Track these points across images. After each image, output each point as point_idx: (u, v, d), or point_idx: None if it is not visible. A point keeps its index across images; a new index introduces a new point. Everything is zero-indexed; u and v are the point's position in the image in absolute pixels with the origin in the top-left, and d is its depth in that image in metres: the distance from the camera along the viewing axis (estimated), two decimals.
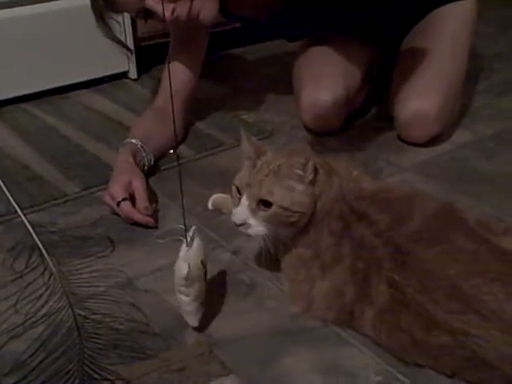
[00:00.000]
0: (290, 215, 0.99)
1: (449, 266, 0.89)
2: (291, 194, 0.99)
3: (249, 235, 1.02)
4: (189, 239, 0.95)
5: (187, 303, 0.97)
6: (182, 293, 0.96)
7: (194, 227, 0.97)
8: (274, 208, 0.98)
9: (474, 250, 0.91)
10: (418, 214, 0.96)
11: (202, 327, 1.00)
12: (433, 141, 1.54)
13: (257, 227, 1.01)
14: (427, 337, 0.88)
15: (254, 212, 1.00)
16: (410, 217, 0.96)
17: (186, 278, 0.94)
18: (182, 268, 0.94)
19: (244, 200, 1.01)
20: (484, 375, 0.86)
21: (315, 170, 1.00)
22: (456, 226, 0.95)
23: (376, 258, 0.93)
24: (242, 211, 1.01)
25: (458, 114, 1.65)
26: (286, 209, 0.98)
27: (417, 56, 1.57)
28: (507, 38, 2.27)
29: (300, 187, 0.99)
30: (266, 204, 0.99)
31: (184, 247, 0.96)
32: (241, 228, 1.01)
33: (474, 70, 1.81)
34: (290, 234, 1.02)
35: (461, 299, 0.86)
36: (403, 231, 0.94)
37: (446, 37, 1.59)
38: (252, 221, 1.00)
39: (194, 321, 0.99)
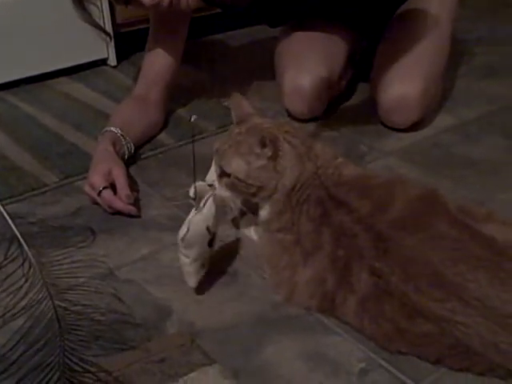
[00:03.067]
0: (247, 187, 1.02)
1: (432, 253, 0.88)
2: (247, 168, 1.02)
3: (217, 197, 1.04)
4: (201, 205, 0.99)
5: (185, 264, 1.00)
6: (181, 253, 0.99)
7: (210, 193, 1.02)
8: (231, 178, 1.02)
9: (456, 237, 0.90)
10: (399, 201, 0.96)
11: (185, 314, 1.00)
12: (415, 125, 1.54)
13: (222, 191, 1.05)
14: (411, 325, 0.88)
15: (220, 177, 1.05)
16: (391, 203, 0.95)
17: (183, 240, 0.97)
18: (181, 230, 0.98)
19: (213, 164, 1.06)
20: (468, 362, 0.87)
21: (275, 147, 1.01)
22: (438, 213, 0.95)
23: (357, 246, 0.93)
24: (211, 174, 1.07)
25: (440, 98, 1.65)
26: (241, 180, 1.02)
27: (399, 41, 1.57)
28: (488, 22, 2.26)
29: (257, 163, 1.01)
30: (227, 174, 1.03)
31: (193, 211, 0.99)
32: (210, 191, 1.05)
33: (456, 54, 1.80)
34: (257, 204, 1.06)
35: (444, 286, 0.86)
36: (384, 218, 0.93)
37: (428, 21, 1.58)
38: (217, 184, 1.05)
39: (191, 282, 1.02)
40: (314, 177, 1.01)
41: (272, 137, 1.00)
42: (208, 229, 0.99)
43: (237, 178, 1.02)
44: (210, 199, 1.00)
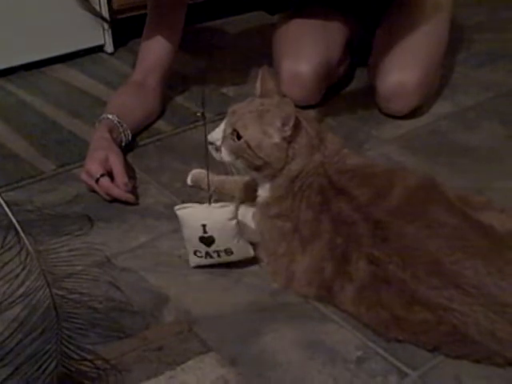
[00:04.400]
0: (254, 157, 1.00)
1: (430, 241, 0.88)
2: (263, 139, 1.00)
3: (215, 157, 1.05)
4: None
5: None
6: None
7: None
8: (241, 141, 1.00)
9: (454, 225, 0.90)
10: (398, 189, 0.96)
11: (182, 302, 1.00)
12: (413, 113, 1.53)
13: (223, 153, 1.03)
14: (408, 313, 0.88)
15: (225, 138, 1.03)
16: (390, 192, 0.95)
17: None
18: None
19: (223, 124, 1.04)
20: (465, 350, 0.87)
21: (295, 131, 1.00)
22: (437, 201, 0.95)
23: (355, 234, 0.93)
24: (217, 132, 1.04)
25: (438, 85, 1.64)
26: (251, 149, 1.00)
27: (397, 28, 1.56)
28: (487, 8, 2.25)
29: (274, 138, 1.00)
30: (238, 136, 1.00)
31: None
32: (210, 147, 1.04)
33: (454, 41, 1.79)
34: (256, 179, 1.06)
35: (442, 274, 0.86)
36: (383, 206, 0.93)
37: (427, 7, 1.57)
38: (220, 144, 1.03)
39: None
40: (318, 166, 1.01)
41: (296, 119, 0.99)
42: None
43: (248, 144, 1.00)
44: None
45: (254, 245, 1.05)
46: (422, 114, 1.55)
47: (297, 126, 1.00)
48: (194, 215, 1.00)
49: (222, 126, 1.04)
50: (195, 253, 1.03)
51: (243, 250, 1.03)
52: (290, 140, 1.00)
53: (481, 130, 1.50)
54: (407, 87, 1.47)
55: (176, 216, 1.02)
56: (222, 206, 0.99)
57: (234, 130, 1.01)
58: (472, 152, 1.40)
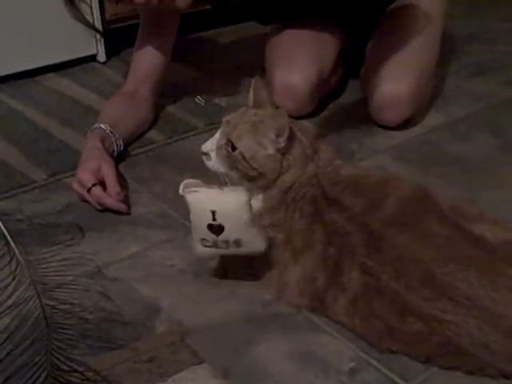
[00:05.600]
0: (249, 168, 0.99)
1: (423, 252, 0.88)
2: (257, 150, 0.99)
3: (208, 167, 1.03)
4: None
5: None
6: None
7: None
8: (236, 153, 0.99)
9: (448, 236, 0.90)
10: (391, 199, 0.95)
11: (173, 313, 0.99)
12: (405, 123, 1.53)
13: (216, 163, 1.02)
14: (401, 324, 0.87)
15: (219, 148, 1.01)
16: (383, 202, 0.95)
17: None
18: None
19: (218, 133, 1.03)
20: (458, 361, 0.87)
21: (289, 143, 0.99)
22: (430, 212, 0.95)
23: (348, 244, 0.92)
24: (211, 142, 1.03)
25: (430, 95, 1.65)
26: (246, 160, 0.99)
27: (389, 38, 1.56)
28: (479, 20, 2.26)
29: (269, 149, 0.99)
30: (232, 147, 1.00)
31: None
32: (204, 157, 1.03)
33: (446, 52, 1.80)
34: (249, 190, 1.01)
35: (435, 285, 0.86)
36: (377, 216, 0.93)
37: (419, 18, 1.58)
38: (214, 155, 1.02)
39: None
40: (312, 177, 1.01)
41: (290, 131, 0.99)
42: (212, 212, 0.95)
43: (243, 155, 0.99)
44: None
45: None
46: (414, 124, 1.56)
47: (291, 138, 1.00)
48: (202, 200, 0.96)
49: (217, 135, 1.03)
50: (202, 241, 0.98)
51: (253, 243, 0.97)
52: (284, 152, 1.00)
53: (472, 141, 1.50)
54: (400, 98, 1.48)
55: (185, 200, 0.97)
56: (232, 191, 0.96)
57: (229, 141, 1.00)
58: (464, 162, 1.41)
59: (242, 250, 0.98)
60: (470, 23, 2.22)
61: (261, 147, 0.99)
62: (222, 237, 0.96)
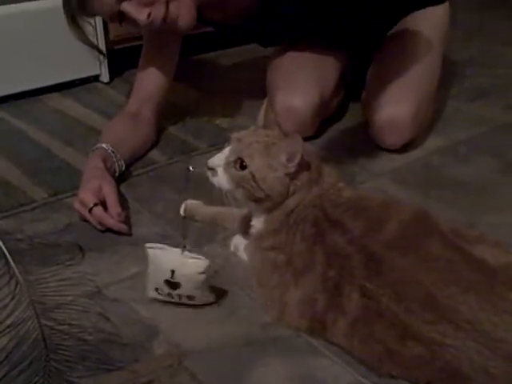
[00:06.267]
0: (256, 189, 0.99)
1: (424, 275, 0.88)
2: (268, 172, 0.99)
3: (212, 183, 1.03)
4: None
5: None
6: None
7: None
8: (246, 172, 0.99)
9: (448, 259, 0.90)
10: (392, 222, 0.95)
11: (172, 335, 0.98)
12: (406, 146, 1.54)
13: (222, 180, 1.02)
14: (401, 347, 0.87)
15: (227, 165, 1.01)
16: (384, 224, 0.95)
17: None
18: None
19: (227, 150, 1.02)
20: None
21: (300, 167, 1.00)
22: (431, 234, 0.95)
23: (349, 266, 0.92)
24: (219, 157, 1.02)
25: (431, 119, 1.65)
26: (255, 180, 0.99)
27: (390, 62, 1.57)
28: (479, 44, 2.28)
29: (279, 172, 1.00)
30: (242, 165, 0.99)
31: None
32: (209, 173, 1.02)
33: (447, 75, 1.81)
34: (251, 210, 1.04)
35: (435, 309, 0.85)
36: (377, 238, 0.93)
37: (420, 42, 1.59)
38: (221, 171, 1.01)
39: None
40: (315, 199, 1.01)
41: (302, 158, 0.99)
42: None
43: (253, 175, 0.99)
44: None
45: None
46: (415, 147, 1.56)
47: (302, 164, 1.00)
48: (164, 258, 1.00)
49: (226, 151, 1.02)
50: (156, 289, 1.02)
51: (205, 299, 1.03)
52: (292, 177, 1.00)
53: (473, 164, 1.50)
54: (400, 121, 1.49)
55: (146, 253, 1.01)
56: (195, 258, 0.99)
57: (239, 158, 1.00)
58: (464, 186, 1.41)
59: (194, 303, 1.03)
60: (470, 48, 2.24)
61: (271, 169, 1.00)
62: (176, 291, 1.00)
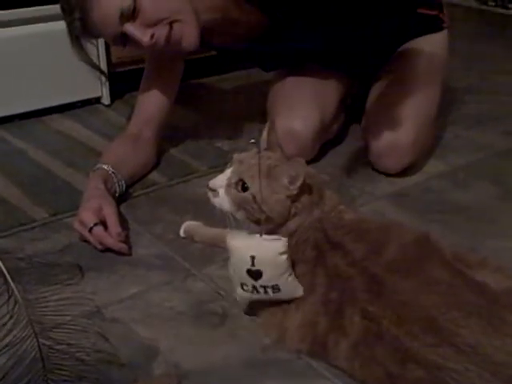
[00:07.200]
0: (257, 211, 0.99)
1: (425, 298, 0.88)
2: (269, 194, 0.99)
3: (213, 204, 1.03)
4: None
5: None
6: None
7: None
8: (247, 193, 0.99)
9: (450, 282, 0.90)
10: (393, 244, 0.96)
11: (172, 355, 0.98)
12: (406, 171, 1.54)
13: (223, 201, 1.01)
14: (402, 370, 0.86)
15: (229, 186, 1.01)
16: (385, 247, 0.95)
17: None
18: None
19: (228, 171, 1.02)
20: None
21: (301, 190, 1.00)
22: (432, 257, 0.95)
23: (350, 289, 0.92)
24: (220, 179, 1.02)
25: (431, 145, 1.66)
26: (256, 202, 0.99)
27: (390, 87, 1.59)
28: (478, 72, 2.31)
29: (280, 195, 1.00)
30: (243, 187, 0.99)
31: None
32: (210, 193, 1.02)
33: (446, 102, 1.83)
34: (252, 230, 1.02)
35: (437, 332, 0.85)
36: (379, 261, 0.93)
37: (420, 69, 1.61)
38: (222, 193, 1.01)
39: None
40: (316, 221, 1.01)
41: (304, 181, 0.99)
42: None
43: (254, 197, 0.99)
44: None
45: None
46: (414, 172, 1.57)
47: (303, 187, 1.00)
48: (243, 246, 0.97)
49: (228, 172, 1.03)
50: (242, 286, 0.99)
51: (291, 289, 0.98)
52: (294, 199, 1.01)
53: (472, 190, 1.51)
54: (400, 146, 1.49)
55: (228, 248, 0.99)
56: (273, 239, 0.96)
57: (240, 180, 1.00)
58: (464, 211, 1.41)
59: (281, 296, 0.98)
60: (469, 75, 2.26)
61: (272, 191, 1.00)
62: (260, 282, 0.97)
